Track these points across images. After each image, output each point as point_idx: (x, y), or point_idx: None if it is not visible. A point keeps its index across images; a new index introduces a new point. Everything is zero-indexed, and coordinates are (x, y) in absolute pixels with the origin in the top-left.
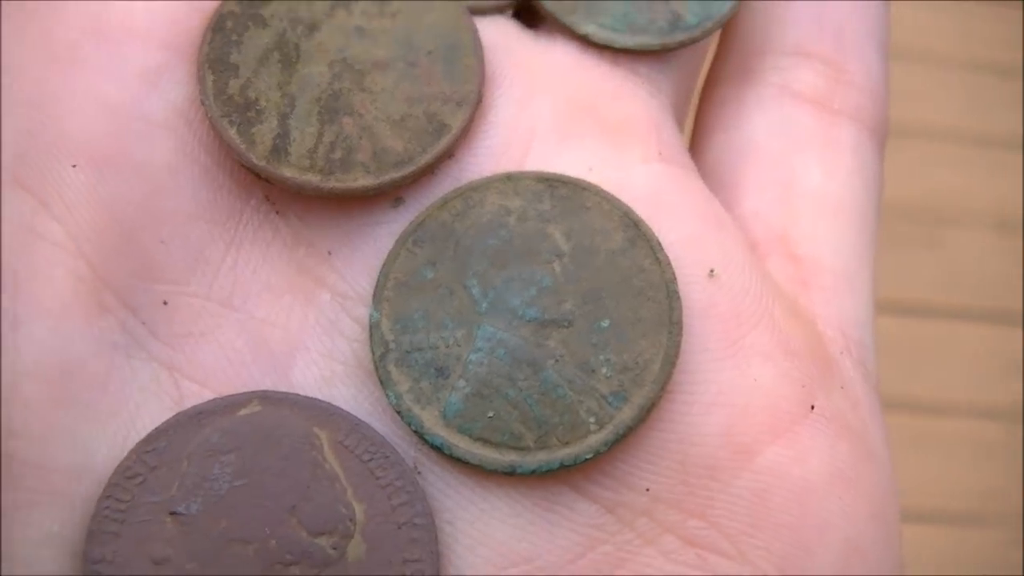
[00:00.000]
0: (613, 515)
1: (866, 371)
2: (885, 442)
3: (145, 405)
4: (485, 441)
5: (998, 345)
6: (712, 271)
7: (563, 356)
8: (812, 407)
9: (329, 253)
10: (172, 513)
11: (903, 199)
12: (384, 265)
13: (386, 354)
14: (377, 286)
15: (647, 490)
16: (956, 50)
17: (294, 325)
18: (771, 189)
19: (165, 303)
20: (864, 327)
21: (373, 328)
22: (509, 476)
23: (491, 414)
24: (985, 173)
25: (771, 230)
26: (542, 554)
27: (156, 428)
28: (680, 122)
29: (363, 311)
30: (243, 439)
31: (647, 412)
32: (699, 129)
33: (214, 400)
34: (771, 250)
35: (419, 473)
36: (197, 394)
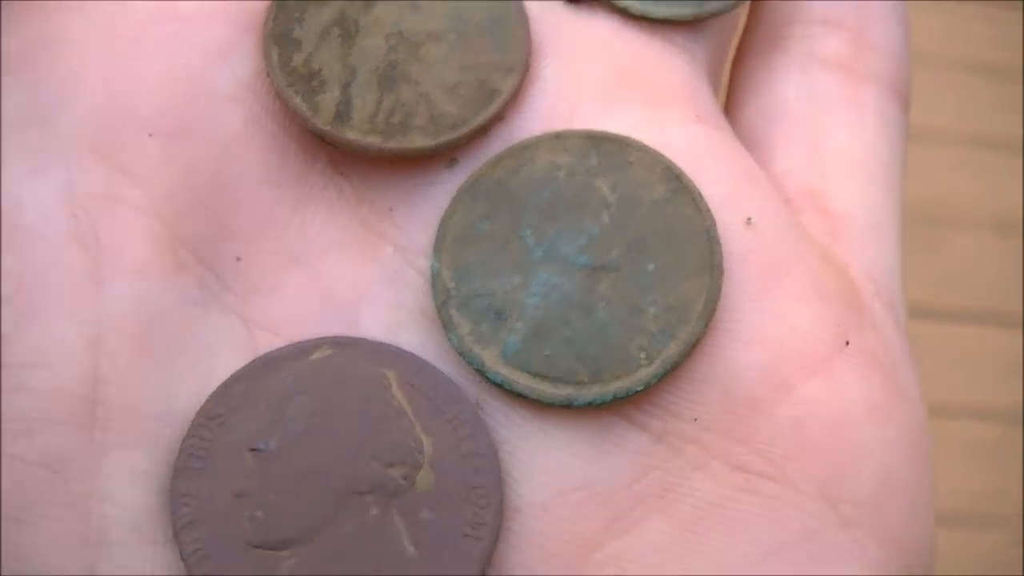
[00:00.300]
0: (663, 443)
1: (896, 317)
2: (917, 383)
3: (222, 354)
4: (543, 377)
5: (998, 346)
6: (749, 219)
7: (613, 298)
8: (847, 343)
9: (390, 210)
10: (252, 450)
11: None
12: (442, 220)
13: (447, 300)
14: (436, 239)
15: (695, 420)
16: (955, 52)
17: (360, 277)
18: (801, 149)
19: (238, 259)
20: (893, 276)
21: (434, 277)
22: (566, 409)
23: (548, 352)
24: (984, 175)
25: (802, 186)
26: (597, 480)
27: (234, 374)
28: (715, 89)
29: (424, 263)
30: (316, 381)
31: (692, 347)
32: (732, 95)
33: (287, 346)
34: (803, 205)
35: (481, 409)
36: (271, 343)
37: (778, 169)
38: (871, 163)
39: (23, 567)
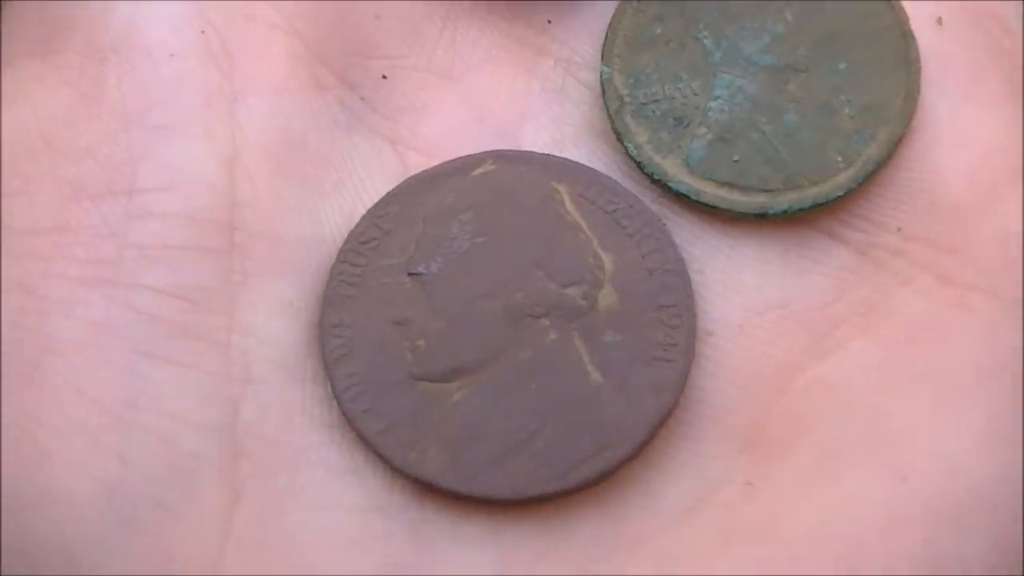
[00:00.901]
0: (866, 257)
1: None
2: None
3: (370, 178)
4: (732, 185)
5: None
6: (940, 19)
7: (803, 99)
8: None
9: (548, 23)
10: (411, 274)
11: None
12: (611, 25)
13: (622, 107)
14: (605, 44)
15: (899, 229)
16: None
17: (519, 94)
18: None
19: (384, 77)
20: None
21: (606, 83)
22: (759, 220)
23: (736, 158)
24: None
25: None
26: (795, 299)
27: (388, 193)
28: None
29: (589, 74)
30: (480, 197)
31: (893, 148)
32: None
33: (446, 162)
34: (987, 23)
35: (664, 225)
36: (423, 165)
37: None
38: None
39: (156, 407)
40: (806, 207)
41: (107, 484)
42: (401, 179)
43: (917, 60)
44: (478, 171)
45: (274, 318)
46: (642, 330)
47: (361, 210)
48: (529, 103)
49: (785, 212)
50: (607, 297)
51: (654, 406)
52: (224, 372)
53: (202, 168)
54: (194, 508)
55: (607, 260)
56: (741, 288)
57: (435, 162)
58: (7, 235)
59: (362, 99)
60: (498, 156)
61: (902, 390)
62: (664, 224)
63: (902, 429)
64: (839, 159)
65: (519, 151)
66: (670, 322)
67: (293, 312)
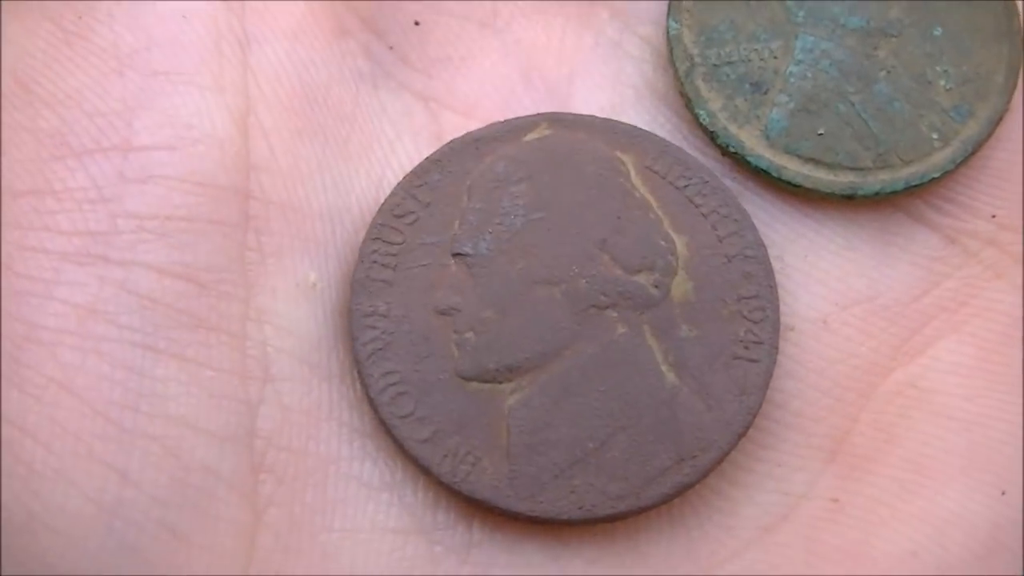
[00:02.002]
0: (957, 245)
1: None
2: None
3: (399, 141)
4: (817, 162)
5: None
6: None
7: (895, 67)
8: None
9: None
10: (456, 255)
11: None
12: None
13: (692, 69)
14: None
15: (992, 216)
16: None
17: (569, 48)
18: None
19: (416, 24)
20: None
21: (674, 41)
22: (845, 202)
23: (821, 131)
24: None
25: None
26: (883, 291)
27: (426, 159)
28: None
29: (650, 29)
30: (535, 167)
31: (994, 126)
32: None
33: (494, 125)
34: None
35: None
36: (461, 127)
37: None
38: None
39: (160, 411)
40: (899, 189)
41: (106, 505)
42: (435, 142)
43: (1019, 30)
44: (531, 136)
45: (296, 304)
46: (721, 324)
47: (390, 177)
48: (581, 59)
49: (877, 194)
50: (681, 286)
51: (737, 411)
52: (239, 369)
53: (211, 123)
54: (209, 533)
55: (680, 243)
56: (825, 278)
57: (474, 124)
58: None
59: (391, 48)
60: (554, 119)
61: (997, 395)
62: (740, 204)
63: (998, 438)
64: (934, 136)
65: (577, 115)
66: (751, 316)
67: (318, 297)
